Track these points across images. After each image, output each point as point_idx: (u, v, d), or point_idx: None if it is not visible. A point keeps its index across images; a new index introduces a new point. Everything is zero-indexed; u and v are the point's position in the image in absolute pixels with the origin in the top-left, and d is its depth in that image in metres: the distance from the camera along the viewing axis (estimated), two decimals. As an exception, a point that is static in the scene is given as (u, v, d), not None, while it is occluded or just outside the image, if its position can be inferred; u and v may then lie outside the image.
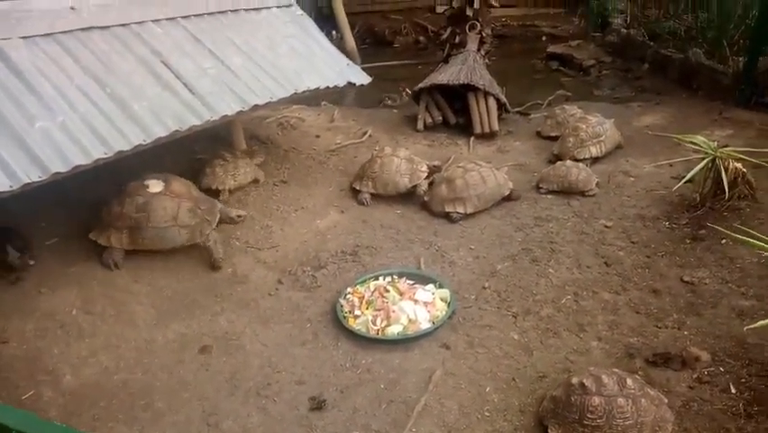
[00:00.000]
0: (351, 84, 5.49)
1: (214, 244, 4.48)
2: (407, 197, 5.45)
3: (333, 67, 5.51)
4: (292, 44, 5.42)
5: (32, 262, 4.16)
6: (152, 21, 4.70)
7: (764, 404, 3.14)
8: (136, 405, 3.40)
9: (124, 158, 3.99)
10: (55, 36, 4.13)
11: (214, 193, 5.14)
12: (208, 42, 4.87)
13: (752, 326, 3.21)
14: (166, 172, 4.81)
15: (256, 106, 4.70)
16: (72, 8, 4.27)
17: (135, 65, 4.36)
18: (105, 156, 3.77)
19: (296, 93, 4.97)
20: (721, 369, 3.42)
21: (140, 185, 4.47)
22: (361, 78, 5.61)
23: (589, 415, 2.94)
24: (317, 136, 6.77)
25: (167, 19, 4.80)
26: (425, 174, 5.46)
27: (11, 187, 3.35)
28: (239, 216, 4.87)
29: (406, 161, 5.52)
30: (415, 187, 5.40)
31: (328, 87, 5.26)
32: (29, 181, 3.41)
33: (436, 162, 5.74)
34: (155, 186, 4.46)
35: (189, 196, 4.53)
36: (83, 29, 4.28)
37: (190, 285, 4.34)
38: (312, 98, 7.11)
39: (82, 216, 4.69)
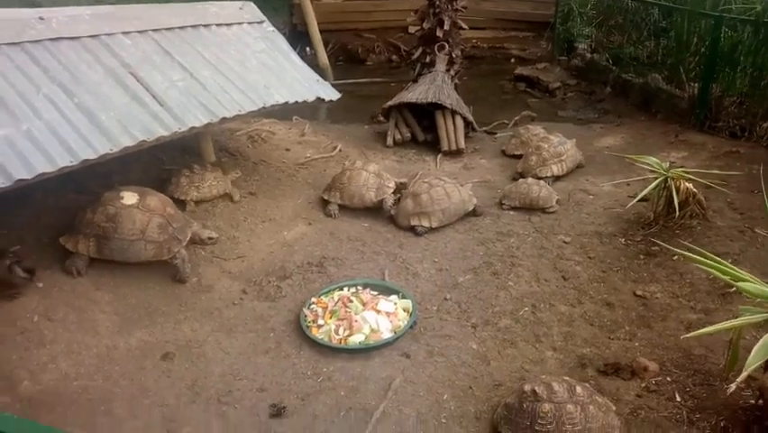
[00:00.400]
0: (320, 99, 5.58)
1: (182, 262, 4.45)
2: (376, 210, 5.56)
3: (303, 82, 5.61)
4: (262, 59, 5.51)
5: (40, 285, 4.09)
6: (122, 33, 4.76)
7: (706, 411, 3.29)
8: (96, 411, 3.40)
9: (92, 166, 4.02)
10: (23, 45, 4.16)
11: (178, 203, 5.17)
12: (178, 55, 4.94)
13: (688, 335, 3.37)
14: (133, 183, 4.84)
15: (224, 119, 4.77)
16: (41, 18, 4.31)
17: (104, 76, 4.40)
18: (71, 164, 3.79)
19: (264, 107, 5.04)
20: (668, 378, 3.57)
21: (114, 195, 4.47)
22: (331, 93, 5.72)
23: (539, 421, 3.05)
24: (287, 150, 6.84)
25: (137, 32, 4.87)
26: (392, 189, 5.58)
27: (-27, 192, 3.36)
28: (210, 239, 4.82)
29: (374, 175, 5.63)
30: (381, 201, 5.52)
31: (297, 102, 5.35)
32: (-9, 187, 3.42)
33: (403, 180, 5.87)
34: (129, 198, 4.45)
35: (162, 212, 4.46)
36: (51, 39, 4.32)
37: (154, 293, 4.34)
38: (283, 113, 7.24)
39: (44, 223, 4.67)
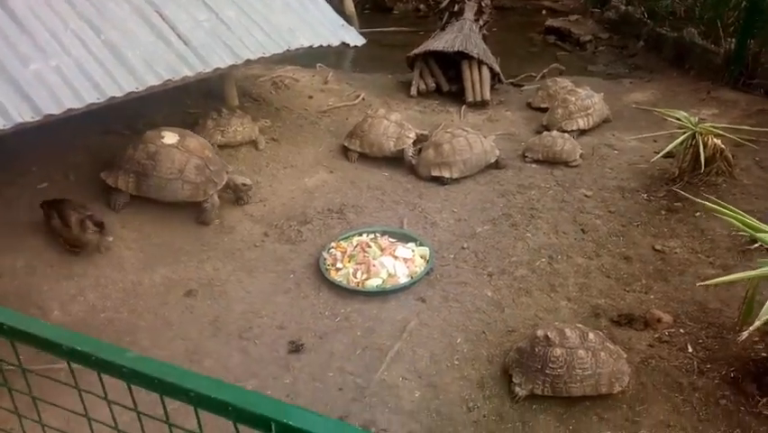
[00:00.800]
0: (345, 44, 5.53)
1: (210, 206, 4.48)
2: (396, 160, 5.54)
3: (328, 26, 5.54)
4: (287, 1, 5.44)
5: (110, 239, 4.13)
6: (147, -31, 4.72)
7: (717, 362, 3.32)
8: (122, 342, 3.55)
9: (118, 106, 4.09)
10: (50, -21, 4.17)
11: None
12: (204, -5, 4.91)
13: (704, 283, 3.38)
14: (157, 125, 4.90)
15: (249, 61, 4.76)
16: (67, -47, 4.30)
17: (130, 13, 4.41)
18: (98, 101, 3.86)
19: (288, 50, 5.01)
20: (681, 330, 3.60)
21: (156, 134, 4.53)
22: (356, 38, 5.65)
23: (550, 364, 3.11)
24: (310, 97, 6.82)
25: (163, -31, 4.82)
26: (412, 140, 5.53)
27: (4, 126, 3.45)
28: (244, 185, 4.75)
29: (395, 124, 5.60)
30: (400, 151, 5.49)
31: (322, 46, 5.30)
32: (22, 121, 3.51)
33: (425, 131, 5.80)
34: (170, 138, 4.50)
35: (201, 154, 4.49)
36: (78, -26, 4.31)
37: (177, 233, 4.46)
38: (307, 59, 7.18)
39: (71, 162, 4.79)
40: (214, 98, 6.15)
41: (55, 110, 3.63)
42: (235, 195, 4.78)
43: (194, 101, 6.07)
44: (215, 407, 1.22)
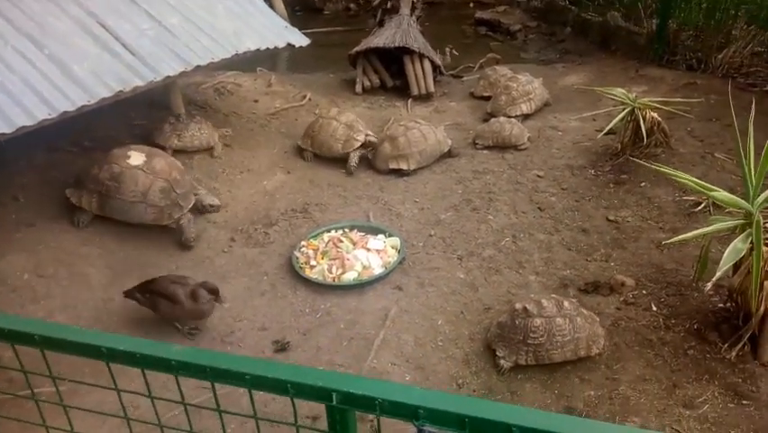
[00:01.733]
0: (290, 45, 5.54)
1: (187, 222, 4.37)
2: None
3: (272, 28, 5.54)
4: (229, 6, 5.40)
5: (226, 305, 3.76)
6: (84, -20, 4.59)
7: (680, 317, 3.58)
8: (100, 362, 3.44)
9: (62, 123, 3.95)
10: (-18, -4, 4.00)
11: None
12: (143, 3, 4.81)
13: (668, 241, 3.64)
14: (101, 140, 4.77)
15: (198, 67, 4.71)
16: (-1, -33, 4.13)
17: (71, 26, 4.28)
18: (50, 117, 3.74)
19: (236, 54, 4.99)
20: (644, 292, 3.84)
21: (122, 153, 4.38)
22: (301, 39, 5.68)
23: (531, 335, 3.27)
24: (256, 101, 6.77)
25: (99, -21, 4.70)
26: (360, 143, 5.45)
27: (-47, 148, 3.29)
28: (211, 206, 4.67)
29: (344, 126, 5.56)
30: (347, 154, 5.45)
31: (268, 48, 5.30)
32: (-28, 142, 3.35)
33: (373, 137, 5.62)
34: (136, 158, 4.35)
35: (167, 176, 4.35)
36: (12, -11, 4.15)
37: (141, 246, 4.36)
38: (246, 64, 7.12)
39: (18, 183, 4.59)
40: (160, 108, 6.02)
41: (6, 129, 3.49)
42: (207, 213, 4.71)
43: (138, 113, 5.92)
44: (273, 386, 1.27)
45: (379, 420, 1.24)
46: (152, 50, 4.51)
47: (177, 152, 5.20)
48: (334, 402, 1.23)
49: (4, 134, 3.47)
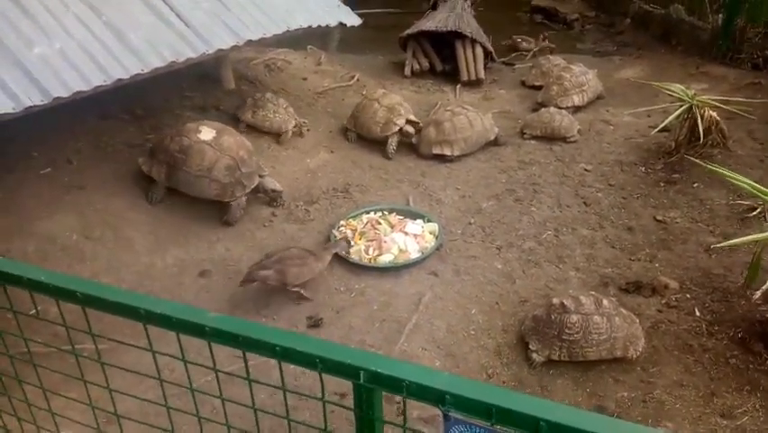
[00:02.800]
0: (342, 24, 5.52)
1: (236, 206, 4.37)
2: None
3: (324, 6, 5.52)
4: (283, -18, 5.41)
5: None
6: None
7: (724, 324, 3.45)
8: (139, 324, 3.55)
9: (114, 91, 4.04)
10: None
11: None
12: (200, -25, 4.86)
13: (718, 245, 3.51)
14: (152, 108, 4.83)
15: (250, 42, 4.74)
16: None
17: (129, -6, 4.35)
18: (105, 83, 3.82)
19: (288, 30, 4.99)
20: (687, 295, 3.72)
21: (193, 127, 4.46)
22: (353, 19, 5.65)
23: (567, 330, 3.21)
24: (304, 79, 6.80)
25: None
26: (398, 128, 5.37)
27: (14, 109, 3.41)
28: (273, 191, 4.58)
29: (385, 108, 5.45)
30: (386, 137, 5.38)
31: (319, 26, 5.29)
32: (31, 105, 3.47)
33: (416, 123, 5.50)
34: (206, 133, 4.41)
35: (234, 153, 4.36)
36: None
37: (186, 215, 4.45)
38: (298, 42, 7.15)
39: (71, 147, 4.74)
40: (211, 81, 6.12)
41: (63, 93, 3.59)
42: (268, 198, 4.66)
43: (190, 84, 6.03)
44: (302, 360, 1.27)
45: (405, 402, 1.24)
46: (206, 21, 4.56)
47: (249, 128, 5.29)
48: (362, 381, 1.23)
49: (60, 98, 3.57)
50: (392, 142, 5.40)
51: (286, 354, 1.28)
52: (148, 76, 4.13)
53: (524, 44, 8.22)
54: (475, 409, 1.15)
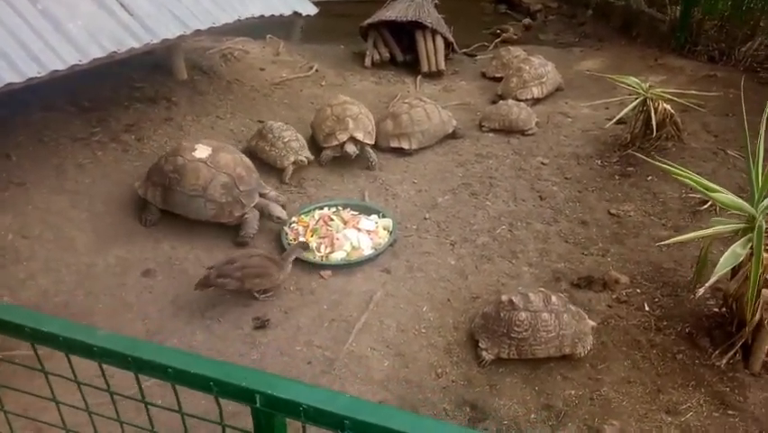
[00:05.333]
0: (297, 14, 5.39)
1: (249, 222, 4.09)
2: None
3: (279, -5, 5.38)
4: (235, -31, 5.24)
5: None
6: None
7: (672, 319, 3.46)
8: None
9: (60, 81, 3.87)
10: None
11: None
12: (146, -38, 4.67)
13: (664, 242, 3.52)
14: (102, 100, 4.64)
15: (198, 32, 4.59)
16: None
17: (67, -19, 4.15)
18: (39, 75, 3.65)
19: (239, 20, 4.85)
20: (638, 290, 3.72)
21: (189, 146, 4.21)
22: (308, 8, 5.51)
23: (516, 328, 3.17)
24: (262, 69, 6.64)
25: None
26: (337, 143, 4.91)
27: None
28: (278, 218, 4.18)
29: (332, 119, 5.00)
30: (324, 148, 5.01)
31: (273, 16, 5.15)
32: (-45, 97, 3.28)
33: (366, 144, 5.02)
34: (202, 151, 4.14)
35: (231, 171, 4.09)
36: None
37: (131, 212, 4.29)
38: (257, 31, 6.97)
39: (12, 141, 4.54)
40: (162, 72, 5.93)
41: (-8, 85, 3.41)
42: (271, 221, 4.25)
43: (140, 75, 5.83)
44: (196, 382, 1.18)
45: (304, 428, 1.16)
46: (151, 11, 4.39)
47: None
48: (258, 405, 1.15)
49: (-11, 90, 3.39)
50: (327, 153, 4.98)
51: (179, 377, 1.20)
52: (87, 67, 3.96)
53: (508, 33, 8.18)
54: (375, 435, 1.07)
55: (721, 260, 2.89)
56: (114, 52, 4.02)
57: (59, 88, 4.86)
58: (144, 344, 1.26)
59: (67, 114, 5.05)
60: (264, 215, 4.21)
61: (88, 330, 1.30)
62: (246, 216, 4.11)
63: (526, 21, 8.59)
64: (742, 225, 3.06)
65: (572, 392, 3.10)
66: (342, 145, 4.92)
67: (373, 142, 5.10)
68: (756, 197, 3.03)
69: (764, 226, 2.92)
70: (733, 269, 3.05)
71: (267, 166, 4.78)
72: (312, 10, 5.57)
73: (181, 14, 4.51)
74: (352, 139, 4.92)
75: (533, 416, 3.00)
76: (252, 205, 4.15)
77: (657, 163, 3.59)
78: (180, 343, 3.34)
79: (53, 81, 3.82)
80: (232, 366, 1.20)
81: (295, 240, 4.13)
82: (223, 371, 1.18)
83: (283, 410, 1.13)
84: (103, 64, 4.11)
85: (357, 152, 4.94)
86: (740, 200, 3.06)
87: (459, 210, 4.56)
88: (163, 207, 4.15)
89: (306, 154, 4.84)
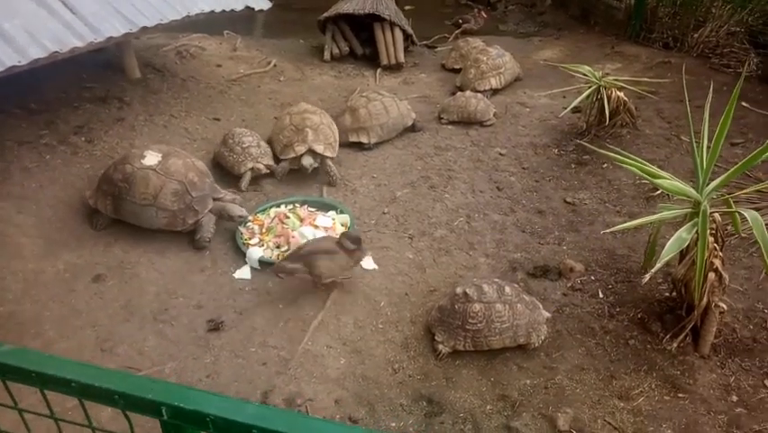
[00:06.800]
0: (249, 9, 5.30)
1: (204, 226, 3.99)
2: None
3: (230, -10, 5.28)
4: (184, -36, 5.13)
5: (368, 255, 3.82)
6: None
7: (625, 305, 3.49)
8: (25, 334, 3.32)
9: (3, 81, 3.74)
10: None
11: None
12: (89, -42, 4.53)
13: (608, 230, 3.56)
14: (49, 102, 4.51)
15: (145, 29, 4.48)
16: None
17: (4, -21, 4.01)
18: (-27, 77, 3.51)
19: (188, 16, 4.76)
20: (592, 278, 3.75)
21: (138, 153, 4.08)
22: (261, 2, 5.44)
23: (470, 320, 3.17)
24: (218, 66, 6.54)
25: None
26: (294, 155, 4.67)
27: None
28: (240, 217, 4.10)
29: (290, 129, 4.77)
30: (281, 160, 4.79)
31: (224, 11, 5.07)
32: None
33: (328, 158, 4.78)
34: (150, 158, 4.02)
35: (182, 177, 3.98)
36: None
37: (80, 216, 4.19)
38: (214, 27, 6.86)
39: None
40: (114, 71, 5.81)
41: (-77, 89, 3.27)
42: (233, 222, 4.16)
43: (91, 74, 5.69)
44: (101, 396, 1.14)
45: (214, 438, 1.12)
46: (95, 9, 4.28)
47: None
48: (165, 417, 1.11)
49: None
50: (284, 166, 4.73)
51: (83, 391, 1.15)
52: (28, 68, 3.83)
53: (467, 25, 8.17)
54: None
55: (667, 245, 2.92)
56: (57, 52, 3.90)
57: (5, 90, 4.71)
58: (48, 358, 1.20)
59: (12, 116, 4.91)
60: (224, 217, 4.12)
61: (-10, 346, 1.24)
62: (201, 220, 4.03)
63: (478, 9, 8.57)
64: (688, 210, 3.10)
65: (527, 382, 3.11)
66: (299, 158, 4.70)
67: (335, 155, 4.82)
68: (701, 181, 3.07)
69: (709, 211, 2.95)
70: (681, 253, 3.10)
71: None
72: (265, 4, 5.50)
73: (127, 12, 4.41)
74: (311, 151, 4.68)
75: (488, 407, 3.00)
76: (207, 210, 4.04)
77: (605, 152, 3.61)
78: (131, 349, 3.27)
79: (-3, 83, 3.71)
80: (138, 378, 1.16)
81: (250, 239, 4.07)
82: (128, 383, 1.13)
83: (190, 422, 1.10)
84: (48, 64, 4.00)
85: (315, 165, 4.71)
86: (685, 186, 3.09)
87: (418, 204, 4.55)
88: (115, 216, 4.04)
89: (266, 162, 4.68)
